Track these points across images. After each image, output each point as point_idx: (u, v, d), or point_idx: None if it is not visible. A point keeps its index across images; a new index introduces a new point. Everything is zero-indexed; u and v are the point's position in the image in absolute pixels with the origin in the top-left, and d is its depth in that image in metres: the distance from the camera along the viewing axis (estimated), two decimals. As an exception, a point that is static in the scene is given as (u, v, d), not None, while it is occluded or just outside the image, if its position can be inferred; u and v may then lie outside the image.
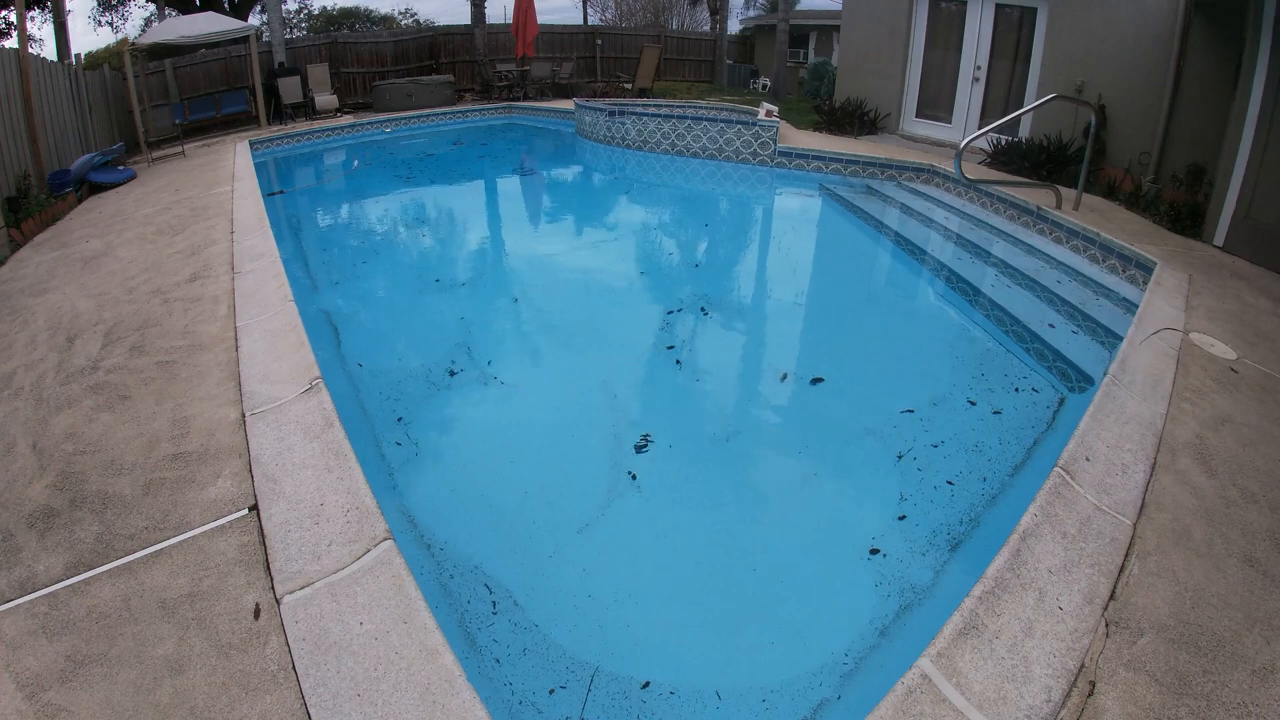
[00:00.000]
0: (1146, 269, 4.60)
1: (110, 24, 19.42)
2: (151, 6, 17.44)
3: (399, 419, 3.29)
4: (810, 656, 2.07)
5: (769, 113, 9.18)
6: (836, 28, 13.99)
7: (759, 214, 7.82)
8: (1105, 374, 3.05)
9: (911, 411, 3.36)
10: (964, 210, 6.79)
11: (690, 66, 18.65)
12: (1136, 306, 3.95)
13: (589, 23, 23.00)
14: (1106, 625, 1.76)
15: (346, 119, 11.96)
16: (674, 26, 24.31)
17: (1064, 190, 6.00)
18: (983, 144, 7.79)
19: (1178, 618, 1.81)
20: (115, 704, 1.50)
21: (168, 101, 11.69)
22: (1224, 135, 5.14)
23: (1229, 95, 5.16)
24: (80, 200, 7.12)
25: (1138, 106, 6.62)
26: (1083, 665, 1.64)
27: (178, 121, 10.89)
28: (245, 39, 11.32)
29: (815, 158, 8.38)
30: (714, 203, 8.04)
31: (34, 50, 8.40)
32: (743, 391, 3.87)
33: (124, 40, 13.15)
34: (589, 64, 16.62)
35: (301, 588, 1.78)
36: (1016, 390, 3.61)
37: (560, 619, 2.18)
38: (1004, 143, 7.73)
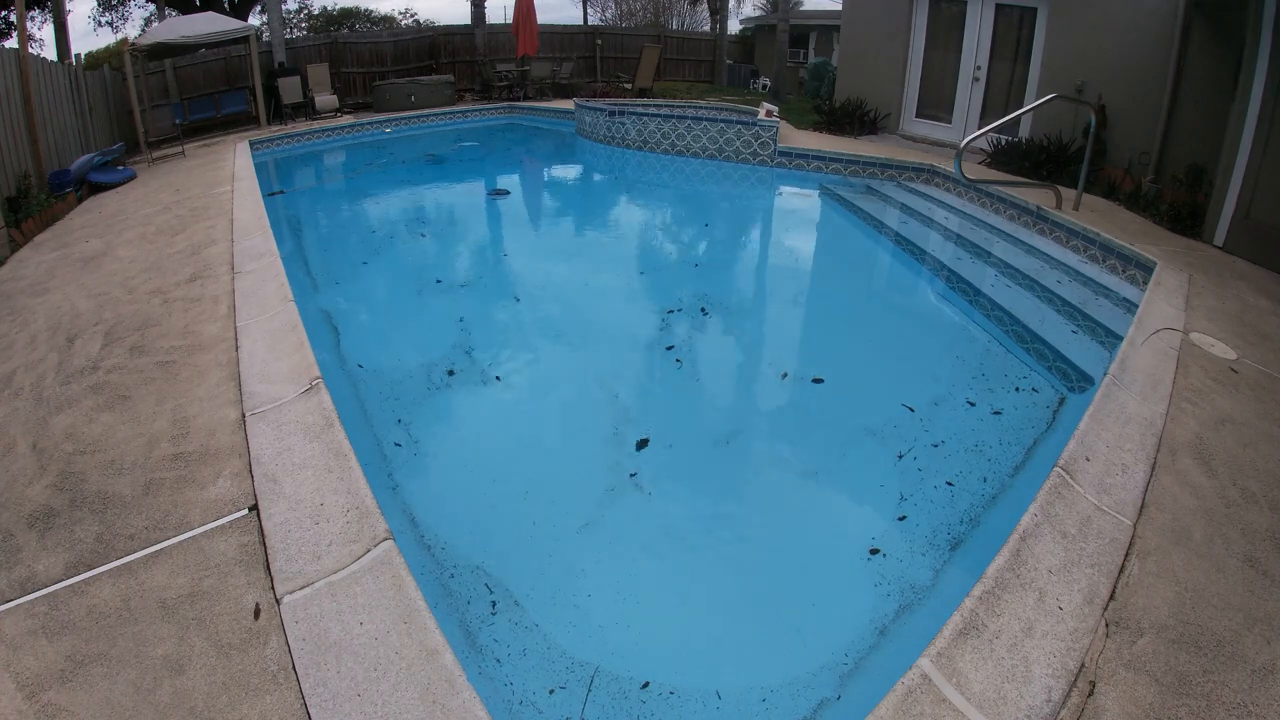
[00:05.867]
0: (1146, 269, 4.60)
1: (110, 24, 19.42)
2: (151, 6, 17.46)
3: (399, 419, 3.29)
4: (810, 656, 2.07)
5: (769, 113, 9.18)
6: (836, 28, 13.99)
7: (759, 214, 7.82)
8: (1105, 374, 3.04)
9: (912, 410, 3.36)
10: (964, 210, 6.79)
11: (690, 66, 18.65)
12: (1136, 306, 3.95)
13: (589, 23, 23.02)
14: (1106, 625, 1.76)
15: (346, 119, 11.96)
16: (674, 26, 24.31)
17: (1064, 190, 5.99)
18: (983, 144, 7.79)
19: (1178, 618, 1.81)
20: (115, 704, 1.50)
21: (168, 101, 11.68)
22: (1224, 135, 5.14)
23: (1229, 95, 5.15)
24: (80, 200, 7.12)
25: (1138, 106, 6.61)
26: (1083, 665, 1.64)
27: (178, 121, 10.89)
28: (245, 39, 11.31)
29: (815, 158, 8.38)
30: (714, 203, 8.04)
31: (34, 50, 8.41)
32: (742, 391, 3.87)
33: (124, 40, 13.14)
34: (589, 64, 16.62)
35: (301, 588, 1.78)
36: (1016, 390, 3.61)
37: (560, 619, 2.18)
38: (1004, 143, 7.73)
